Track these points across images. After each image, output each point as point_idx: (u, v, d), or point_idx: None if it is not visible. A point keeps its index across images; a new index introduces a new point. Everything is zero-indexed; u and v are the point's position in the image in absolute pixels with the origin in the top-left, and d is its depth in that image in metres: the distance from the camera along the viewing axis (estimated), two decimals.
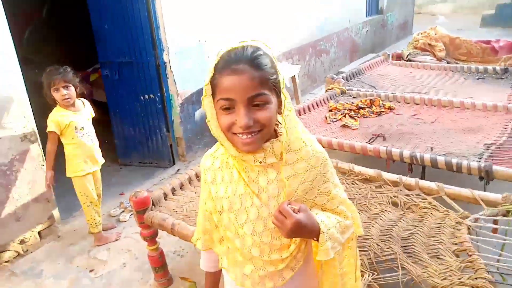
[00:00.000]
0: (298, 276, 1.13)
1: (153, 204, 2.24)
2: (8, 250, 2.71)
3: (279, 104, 1.02)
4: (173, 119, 3.94)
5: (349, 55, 7.21)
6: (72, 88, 2.62)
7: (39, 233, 2.89)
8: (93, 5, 3.67)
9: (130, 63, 3.74)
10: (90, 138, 2.74)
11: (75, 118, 2.66)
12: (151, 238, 2.26)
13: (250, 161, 1.03)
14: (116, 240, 2.90)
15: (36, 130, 2.80)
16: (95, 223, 2.81)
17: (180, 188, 2.41)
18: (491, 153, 2.48)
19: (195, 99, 4.06)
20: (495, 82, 3.94)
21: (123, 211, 3.23)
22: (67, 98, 2.59)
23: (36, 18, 5.66)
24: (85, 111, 2.77)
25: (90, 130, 2.77)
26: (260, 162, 1.03)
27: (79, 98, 2.75)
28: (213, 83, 0.99)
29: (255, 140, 0.98)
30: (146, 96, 3.83)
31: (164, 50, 3.68)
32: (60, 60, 5.56)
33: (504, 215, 1.91)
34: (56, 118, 2.59)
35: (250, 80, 0.94)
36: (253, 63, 0.95)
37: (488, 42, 4.90)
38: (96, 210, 2.82)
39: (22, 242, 2.78)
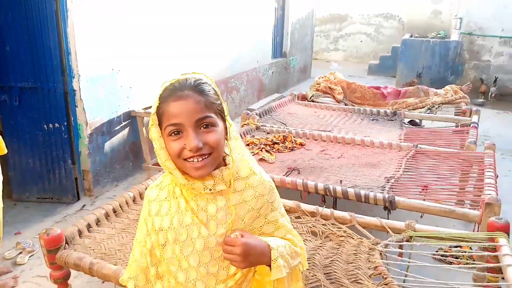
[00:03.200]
0: None
1: (66, 242, 2.04)
2: None
3: (225, 131, 1.06)
4: (80, 150, 3.68)
5: (257, 93, 7.56)
6: None
7: None
8: None
9: (34, 89, 3.46)
10: None
11: None
12: (63, 281, 2.04)
13: (200, 189, 1.04)
14: (13, 287, 2.55)
15: None
16: None
17: (97, 224, 2.25)
18: (391, 186, 2.79)
19: (105, 129, 3.87)
20: (386, 123, 4.47)
21: (21, 253, 2.88)
22: None
23: None
24: None
25: None
26: (210, 190, 1.04)
27: None
28: (159, 112, 1.01)
29: (206, 163, 1.00)
30: (51, 125, 3.55)
31: (74, 76, 3.48)
32: None
33: (408, 241, 2.15)
34: None
35: (195, 104, 0.98)
36: (197, 89, 1.00)
37: (378, 88, 5.56)
38: None
39: None
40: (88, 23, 3.52)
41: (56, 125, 3.54)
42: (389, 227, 2.22)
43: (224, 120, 1.06)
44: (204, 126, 0.99)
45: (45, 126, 3.54)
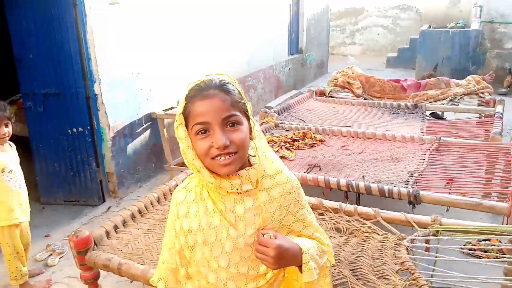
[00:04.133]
0: None
1: (95, 243, 2.09)
2: None
3: (250, 130, 1.07)
4: (104, 154, 3.76)
5: (274, 91, 7.55)
6: (10, 127, 2.47)
7: None
8: (16, 32, 3.46)
9: (57, 95, 3.55)
10: (18, 183, 2.51)
11: (6, 158, 2.46)
12: (93, 281, 2.09)
13: (227, 188, 1.04)
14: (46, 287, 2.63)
15: None
16: (21, 274, 2.53)
17: (123, 225, 2.30)
18: (415, 180, 2.75)
19: (127, 132, 3.94)
20: (407, 116, 4.40)
21: (51, 254, 2.96)
22: (6, 137, 2.44)
23: None
24: (13, 153, 2.57)
25: (19, 174, 2.55)
26: (237, 189, 1.05)
27: None
28: (185, 112, 1.02)
29: (233, 161, 1.01)
30: (75, 130, 3.63)
31: (95, 81, 3.55)
32: None
33: (434, 235, 2.12)
34: None
35: (222, 102, 0.99)
36: (222, 88, 1.01)
37: (397, 81, 5.48)
38: (22, 260, 2.54)
39: None
40: (106, 28, 3.59)
41: (80, 129, 3.62)
42: (414, 222, 2.19)
43: (248, 119, 1.06)
44: (230, 124, 1.00)
45: (69, 130, 3.63)
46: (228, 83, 1.03)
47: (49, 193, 3.80)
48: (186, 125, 1.03)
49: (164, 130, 4.20)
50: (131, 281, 2.55)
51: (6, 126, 2.44)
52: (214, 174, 1.04)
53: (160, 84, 4.32)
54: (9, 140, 2.53)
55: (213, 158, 1.01)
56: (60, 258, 2.97)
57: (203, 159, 1.02)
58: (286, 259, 1.03)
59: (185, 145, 1.03)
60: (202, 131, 1.00)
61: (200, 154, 1.02)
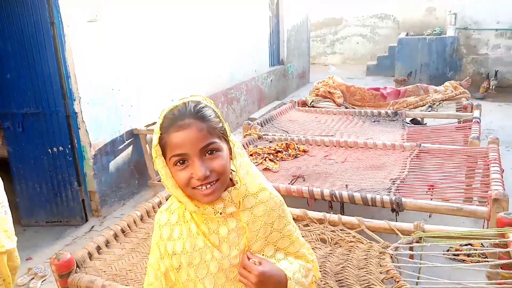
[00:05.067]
0: None
1: (77, 265, 2.05)
2: None
3: (229, 150, 1.07)
4: (86, 172, 3.70)
5: (257, 102, 7.59)
6: None
7: None
8: None
9: (37, 114, 3.50)
10: (4, 209, 2.43)
11: None
12: None
13: (211, 214, 1.04)
14: None
15: None
16: None
17: (106, 246, 2.26)
18: (397, 187, 2.79)
19: (109, 149, 3.90)
20: (388, 124, 4.47)
21: (33, 278, 2.89)
22: None
23: None
24: None
25: (4, 200, 2.46)
26: (221, 213, 1.04)
27: None
28: (162, 143, 1.00)
29: (214, 189, 1.00)
30: (55, 149, 3.58)
31: (75, 99, 3.52)
32: None
33: (418, 242, 2.14)
34: None
35: (198, 132, 0.97)
36: (198, 115, 0.99)
37: (377, 89, 5.57)
38: (8, 287, 2.48)
39: None
40: (85, 46, 3.57)
41: (60, 148, 3.57)
42: (398, 230, 2.21)
43: (227, 141, 1.06)
44: (209, 152, 0.99)
45: (49, 150, 3.57)
46: (203, 107, 1.01)
47: (30, 214, 3.72)
48: (164, 155, 1.01)
49: (147, 145, 4.17)
50: None
51: None
52: (196, 201, 1.03)
53: (141, 100, 4.30)
54: None
55: (194, 188, 1.00)
56: (42, 282, 2.90)
57: (184, 189, 1.01)
58: (269, 285, 1.03)
59: (164, 176, 1.02)
60: (181, 162, 0.99)
61: (181, 185, 1.00)
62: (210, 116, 1.01)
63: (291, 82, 9.55)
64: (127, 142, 4.14)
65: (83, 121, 3.58)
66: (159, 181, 4.21)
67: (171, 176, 1.02)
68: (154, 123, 4.31)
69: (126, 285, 1.92)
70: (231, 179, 1.10)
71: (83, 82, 3.54)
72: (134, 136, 4.21)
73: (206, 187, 0.99)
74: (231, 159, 1.07)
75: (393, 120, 4.54)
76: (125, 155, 4.14)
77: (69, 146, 3.58)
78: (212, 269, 1.06)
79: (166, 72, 4.68)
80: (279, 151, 3.60)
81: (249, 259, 1.04)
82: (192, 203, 1.02)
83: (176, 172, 1.00)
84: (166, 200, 2.80)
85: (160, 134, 1.00)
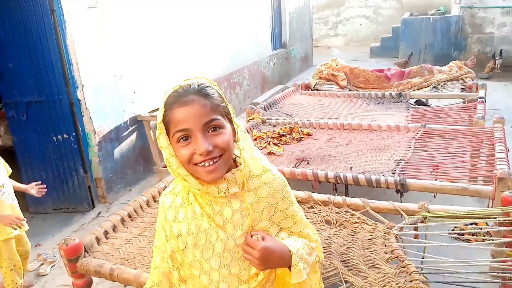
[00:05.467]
0: None
1: (85, 250, 2.08)
2: None
3: (233, 132, 1.07)
4: (91, 159, 3.73)
5: (260, 87, 7.55)
6: None
7: None
8: None
9: (40, 102, 3.50)
10: (10, 197, 2.48)
11: None
12: None
13: (214, 193, 1.04)
14: None
15: None
16: (16, 287, 2.52)
17: (113, 231, 2.29)
18: (402, 168, 2.79)
19: (114, 136, 3.91)
20: (392, 105, 4.44)
21: (42, 264, 2.94)
22: None
23: None
24: (2, 167, 2.50)
25: (10, 187, 2.51)
26: (224, 193, 1.04)
27: None
28: (166, 120, 1.00)
29: (217, 166, 1.00)
30: (60, 137, 3.59)
31: (78, 87, 3.51)
32: None
33: (422, 222, 2.15)
34: None
35: (201, 107, 0.98)
36: (201, 92, 1.00)
37: (381, 70, 5.52)
38: (19, 272, 2.52)
39: None
40: (86, 33, 3.55)
41: (65, 136, 3.58)
42: (402, 210, 2.22)
43: (231, 122, 1.06)
44: (212, 129, 0.99)
45: (54, 138, 3.59)
46: (207, 86, 1.02)
47: (38, 202, 3.75)
48: (167, 133, 1.01)
49: (151, 132, 4.18)
50: (125, 286, 2.55)
51: None
52: (200, 180, 1.03)
53: (144, 86, 4.29)
54: None
55: (196, 164, 0.99)
56: (51, 267, 2.95)
57: (186, 167, 1.01)
58: (273, 260, 1.04)
59: (168, 154, 1.02)
60: (184, 138, 0.98)
61: (183, 161, 1.00)
62: (213, 94, 1.01)
63: (294, 65, 9.47)
64: (131, 128, 4.15)
65: (86, 108, 3.58)
66: (164, 167, 4.23)
67: (174, 155, 1.01)
68: (157, 109, 4.30)
69: (134, 268, 1.95)
70: (234, 161, 1.10)
71: (85, 69, 3.53)
72: (138, 123, 4.22)
73: (209, 163, 0.99)
74: (235, 141, 1.07)
75: (397, 102, 4.51)
76: (130, 141, 4.16)
77: (74, 134, 3.59)
78: (217, 249, 1.08)
79: (168, 58, 4.66)
80: (283, 135, 3.60)
81: (252, 236, 1.05)
82: (196, 181, 1.02)
83: (179, 149, 1.00)
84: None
85: (164, 111, 1.00)
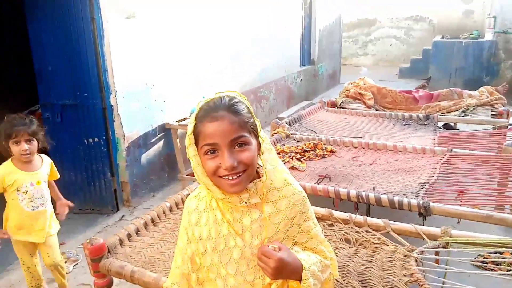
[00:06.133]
0: None
1: (108, 251, 2.14)
2: None
3: (258, 146, 1.11)
4: (119, 163, 3.84)
5: (286, 102, 7.61)
6: (35, 143, 2.34)
7: None
8: (37, 46, 3.58)
9: (75, 106, 3.65)
10: (32, 205, 2.38)
11: (23, 178, 2.34)
12: None
13: (236, 202, 1.09)
14: None
15: None
16: (37, 285, 2.55)
17: (136, 234, 2.35)
18: (426, 191, 2.75)
19: (142, 142, 4.02)
20: (419, 128, 4.39)
21: (66, 262, 3.02)
22: (27, 154, 2.30)
23: None
24: (41, 172, 2.45)
25: (37, 195, 2.40)
26: (246, 203, 1.09)
27: (38, 153, 2.46)
28: (196, 132, 1.06)
29: (240, 181, 1.05)
30: (91, 140, 3.72)
31: (111, 93, 3.65)
32: None
33: (444, 247, 2.12)
34: (1, 175, 2.31)
35: (230, 124, 1.03)
36: (231, 109, 1.04)
37: (409, 92, 5.48)
38: (34, 275, 2.51)
39: None
40: (122, 41, 3.70)
41: (96, 139, 3.71)
42: (424, 234, 2.19)
43: (257, 136, 1.10)
44: (239, 145, 1.04)
45: (85, 140, 3.72)
46: (237, 102, 1.07)
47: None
48: (196, 144, 1.07)
49: (177, 140, 4.27)
50: None
51: (28, 142, 2.30)
52: (223, 190, 1.08)
53: (174, 96, 4.41)
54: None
55: (220, 176, 1.05)
56: (74, 266, 3.03)
57: (211, 177, 1.07)
58: (286, 272, 1.06)
59: (195, 163, 1.08)
60: (211, 152, 1.04)
61: (209, 173, 1.06)
62: (242, 111, 1.06)
63: (321, 82, 9.50)
64: (159, 136, 4.26)
65: (118, 114, 3.71)
66: (188, 175, 4.31)
67: (201, 165, 1.08)
68: (185, 119, 4.41)
69: (154, 272, 1.99)
70: (257, 173, 1.15)
71: (119, 76, 3.67)
72: (165, 131, 4.33)
73: (233, 178, 1.04)
74: (259, 154, 1.11)
75: (425, 124, 4.46)
76: (157, 148, 4.26)
77: (104, 138, 3.71)
78: (234, 256, 1.12)
79: (198, 70, 4.78)
80: (306, 151, 3.62)
81: (268, 246, 1.08)
82: (219, 190, 1.08)
83: (206, 161, 1.06)
84: None
85: (195, 123, 1.06)
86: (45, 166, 2.51)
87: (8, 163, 2.37)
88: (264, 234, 1.11)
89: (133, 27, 3.80)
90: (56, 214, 2.66)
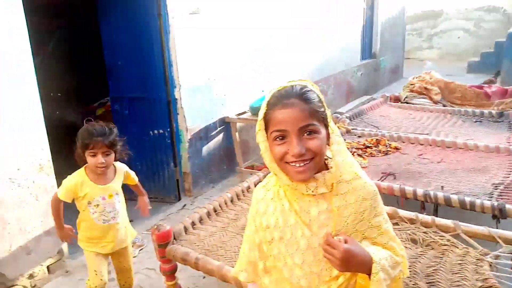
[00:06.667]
0: None
1: (174, 237, 2.23)
2: (16, 285, 2.63)
3: (328, 136, 1.09)
4: (181, 154, 3.97)
5: (345, 96, 7.44)
6: (112, 156, 2.18)
7: (47, 267, 2.82)
8: (108, 42, 3.79)
9: (142, 99, 3.82)
10: (103, 218, 2.23)
11: (94, 192, 2.19)
12: (171, 273, 2.24)
13: (302, 190, 1.08)
14: None
15: (52, 163, 2.80)
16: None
17: (200, 222, 2.42)
18: (500, 193, 2.57)
19: (203, 134, 4.13)
20: (491, 125, 4.10)
21: (132, 247, 3.18)
22: (102, 167, 2.14)
23: (42, 52, 5.76)
24: (114, 185, 2.28)
25: (109, 208, 2.24)
26: (312, 191, 1.08)
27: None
28: (266, 118, 1.07)
29: (307, 168, 1.04)
30: (156, 131, 3.88)
31: (176, 87, 3.78)
32: (66, 94, 5.64)
33: None
34: (72, 186, 2.17)
35: (300, 112, 1.02)
36: (302, 97, 1.04)
37: (481, 87, 5.13)
38: (101, 284, 2.27)
39: (31, 276, 2.71)
40: (187, 36, 3.80)
41: (160, 131, 3.87)
42: (499, 238, 2.05)
43: (327, 127, 1.09)
44: (308, 133, 1.03)
45: (151, 132, 3.89)
46: (309, 90, 1.06)
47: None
48: (266, 130, 1.08)
49: (236, 133, 4.34)
50: (204, 277, 2.69)
51: (106, 154, 2.13)
52: (290, 177, 1.08)
53: (234, 90, 4.47)
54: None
55: (287, 162, 1.05)
56: (139, 251, 3.19)
57: (278, 163, 1.08)
58: (353, 264, 1.04)
59: (263, 148, 1.10)
60: (280, 138, 1.05)
61: (276, 158, 1.07)
62: (313, 99, 1.06)
63: (382, 76, 9.18)
64: (219, 129, 4.35)
65: (181, 107, 3.83)
66: (247, 167, 4.37)
67: (269, 150, 1.09)
68: (244, 113, 4.46)
69: (217, 260, 2.04)
70: (326, 164, 1.13)
71: (183, 70, 3.79)
72: (225, 124, 4.41)
73: (299, 165, 1.04)
74: (328, 145, 1.09)
75: (498, 121, 4.15)
76: (217, 141, 4.36)
77: (168, 130, 3.86)
78: (301, 246, 1.11)
79: (257, 64, 4.80)
80: (368, 147, 3.51)
81: (333, 238, 1.07)
82: (286, 177, 1.08)
83: (274, 146, 1.06)
84: (255, 185, 2.90)
85: (266, 110, 1.07)
86: (118, 178, 2.35)
87: (81, 172, 2.21)
88: (332, 226, 1.09)
89: (197, 22, 3.89)
90: (137, 208, 2.68)
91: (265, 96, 1.11)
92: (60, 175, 2.85)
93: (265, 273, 1.22)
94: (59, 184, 2.81)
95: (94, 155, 2.11)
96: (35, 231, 2.70)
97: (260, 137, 1.10)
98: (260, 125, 1.09)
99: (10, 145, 2.52)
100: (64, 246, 2.93)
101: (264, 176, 2.97)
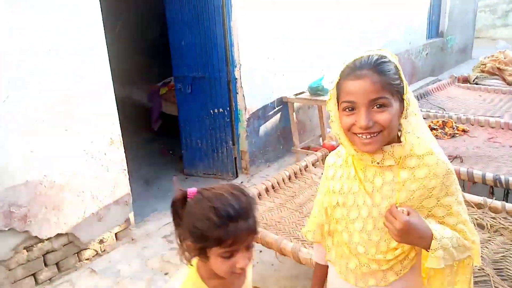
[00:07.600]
0: (403, 282, 1.13)
1: None
2: (89, 248, 2.87)
3: (402, 109, 1.06)
4: (240, 133, 4.05)
5: (408, 77, 7.11)
6: (252, 251, 1.07)
7: (116, 234, 3.04)
8: (172, 23, 3.90)
9: (203, 78, 3.92)
10: None
11: None
12: None
13: (367, 161, 1.09)
14: None
15: (121, 138, 2.97)
16: None
17: (258, 198, 2.48)
18: None
19: (261, 114, 4.17)
20: None
21: None
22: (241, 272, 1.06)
23: (109, 35, 6.08)
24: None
25: None
26: (378, 163, 1.07)
27: None
28: (338, 87, 1.07)
29: (374, 141, 1.03)
30: (216, 110, 3.98)
31: (236, 66, 3.83)
32: (131, 75, 5.92)
33: None
34: None
35: (372, 84, 1.00)
36: (376, 69, 1.01)
37: None
38: None
39: (101, 242, 2.94)
40: (247, 16, 3.82)
41: (220, 110, 3.96)
42: None
43: (402, 100, 1.05)
44: (378, 106, 1.02)
45: (211, 111, 4.00)
46: (385, 62, 1.03)
47: (192, 166, 4.26)
48: (337, 99, 1.09)
49: (294, 114, 4.33)
50: (260, 251, 2.76)
51: (247, 249, 1.03)
52: (356, 146, 1.09)
53: (292, 70, 4.44)
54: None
55: (354, 133, 1.05)
56: None
57: (345, 133, 1.08)
58: (412, 237, 1.01)
59: (333, 117, 1.11)
60: (349, 109, 1.04)
61: (344, 128, 1.08)
62: (389, 71, 1.02)
63: (449, 56, 8.64)
64: (276, 108, 4.37)
65: (241, 86, 3.89)
66: (302, 148, 4.36)
67: (338, 119, 1.09)
68: (302, 93, 4.42)
69: (276, 234, 2.09)
70: (399, 137, 1.10)
71: (244, 50, 3.82)
72: (283, 104, 4.41)
73: (366, 137, 1.03)
74: (405, 118, 1.06)
75: None
76: (274, 121, 4.38)
77: (228, 109, 3.94)
78: (362, 213, 1.12)
79: (316, 44, 4.72)
80: (434, 129, 3.36)
81: (397, 208, 1.04)
82: (352, 147, 1.09)
83: (343, 116, 1.07)
84: (312, 164, 2.91)
85: (339, 79, 1.07)
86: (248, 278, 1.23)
87: (195, 278, 1.12)
88: (395, 197, 1.08)
89: (258, 2, 3.89)
90: None
91: (343, 62, 1.10)
92: (127, 150, 3.06)
93: (329, 235, 1.26)
94: (127, 157, 3.02)
95: (231, 256, 1.02)
96: (106, 200, 2.91)
97: (331, 105, 1.11)
98: (331, 94, 1.11)
99: (85, 119, 2.72)
100: (131, 216, 3.14)
101: (323, 156, 2.96)
